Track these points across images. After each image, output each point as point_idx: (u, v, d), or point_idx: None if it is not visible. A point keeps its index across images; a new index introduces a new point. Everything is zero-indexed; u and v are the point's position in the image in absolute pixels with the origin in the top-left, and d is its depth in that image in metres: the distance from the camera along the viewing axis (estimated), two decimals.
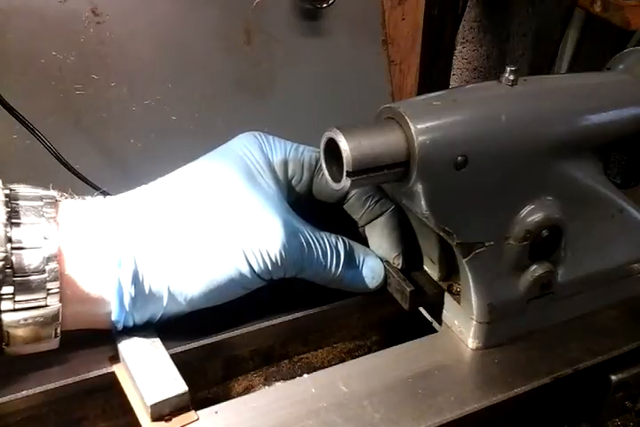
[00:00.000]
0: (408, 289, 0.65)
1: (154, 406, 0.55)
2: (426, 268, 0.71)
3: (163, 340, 0.61)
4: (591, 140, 0.65)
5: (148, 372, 0.57)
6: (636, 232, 0.71)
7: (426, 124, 0.55)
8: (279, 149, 0.67)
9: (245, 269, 0.60)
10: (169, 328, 0.62)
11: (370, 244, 0.70)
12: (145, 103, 1.13)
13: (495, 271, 0.64)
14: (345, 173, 0.54)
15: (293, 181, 0.68)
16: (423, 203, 0.58)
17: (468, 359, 0.65)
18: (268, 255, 0.60)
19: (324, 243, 0.64)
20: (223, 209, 0.61)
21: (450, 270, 0.68)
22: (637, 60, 0.70)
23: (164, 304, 0.60)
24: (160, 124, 1.19)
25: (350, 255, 0.66)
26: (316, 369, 0.71)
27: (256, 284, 0.63)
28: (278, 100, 1.26)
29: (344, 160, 0.54)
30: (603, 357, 0.66)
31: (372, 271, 0.68)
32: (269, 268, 0.61)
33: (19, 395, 0.58)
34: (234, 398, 0.60)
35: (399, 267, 0.69)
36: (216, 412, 0.58)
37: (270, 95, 1.25)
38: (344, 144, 0.54)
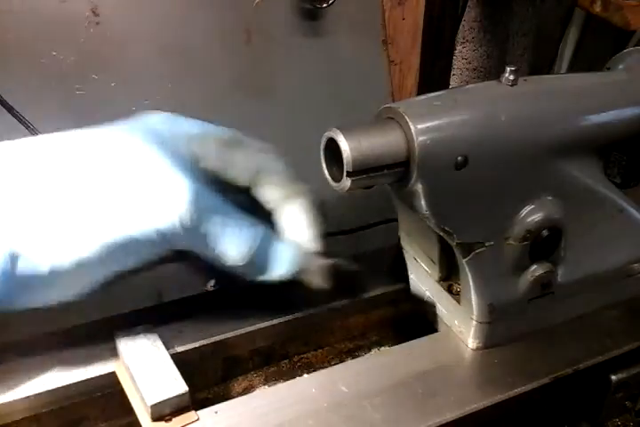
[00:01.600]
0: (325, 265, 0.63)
1: (154, 407, 0.55)
2: (426, 268, 0.71)
3: (163, 340, 0.61)
4: (591, 140, 0.65)
5: (148, 372, 0.57)
6: (636, 232, 0.71)
7: (426, 124, 0.55)
8: (188, 127, 0.66)
9: (148, 229, 0.55)
10: (169, 328, 0.62)
11: (282, 228, 0.66)
12: (145, 103, 1.13)
13: (495, 271, 0.64)
14: (345, 173, 0.54)
15: (203, 160, 0.64)
16: (423, 203, 0.58)
17: (468, 359, 0.65)
18: (174, 216, 0.55)
19: (237, 222, 0.60)
20: (129, 170, 0.57)
21: (450, 270, 0.68)
22: (637, 60, 0.70)
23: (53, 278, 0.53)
24: None
25: (264, 239, 0.62)
26: (316, 369, 0.71)
27: (156, 247, 0.57)
28: (278, 100, 1.26)
29: (344, 160, 0.54)
30: (603, 357, 0.66)
31: (285, 256, 0.63)
32: (175, 229, 0.56)
33: (19, 395, 0.58)
34: (234, 398, 0.60)
35: (314, 250, 0.65)
36: (216, 412, 0.58)
37: (270, 95, 1.25)
38: (344, 144, 0.54)
